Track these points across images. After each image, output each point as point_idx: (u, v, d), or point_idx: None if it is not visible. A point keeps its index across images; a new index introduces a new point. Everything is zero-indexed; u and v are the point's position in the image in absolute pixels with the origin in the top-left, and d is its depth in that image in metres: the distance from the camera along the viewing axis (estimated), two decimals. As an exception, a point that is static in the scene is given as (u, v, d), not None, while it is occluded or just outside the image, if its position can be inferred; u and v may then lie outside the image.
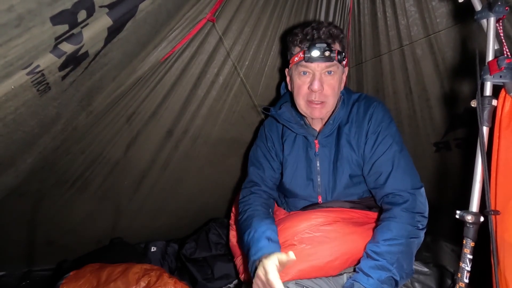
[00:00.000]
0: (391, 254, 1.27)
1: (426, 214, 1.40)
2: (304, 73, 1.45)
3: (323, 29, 1.41)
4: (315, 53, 1.36)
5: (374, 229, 1.41)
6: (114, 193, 1.96)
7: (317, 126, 1.59)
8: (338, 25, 1.89)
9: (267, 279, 1.20)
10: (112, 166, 1.85)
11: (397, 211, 1.37)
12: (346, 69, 1.53)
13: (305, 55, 1.38)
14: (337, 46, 1.43)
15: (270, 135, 1.71)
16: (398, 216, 1.36)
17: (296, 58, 1.43)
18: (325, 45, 1.37)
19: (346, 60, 1.46)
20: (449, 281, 1.63)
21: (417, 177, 1.45)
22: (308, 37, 1.41)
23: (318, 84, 1.42)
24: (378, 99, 1.64)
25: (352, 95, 1.60)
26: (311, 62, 1.39)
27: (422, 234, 1.37)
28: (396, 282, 1.27)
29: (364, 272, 1.27)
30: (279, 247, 1.37)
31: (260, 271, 1.25)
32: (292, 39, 1.48)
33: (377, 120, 1.50)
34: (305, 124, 1.58)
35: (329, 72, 1.43)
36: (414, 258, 1.35)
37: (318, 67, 1.41)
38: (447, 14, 1.63)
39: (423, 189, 1.43)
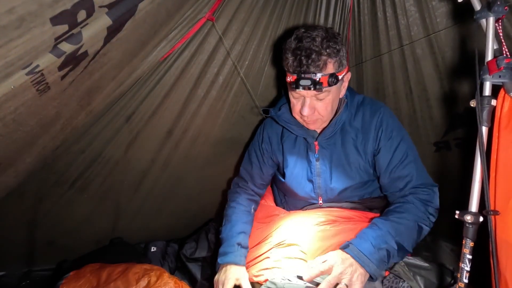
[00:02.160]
0: (395, 229, 1.30)
1: (437, 213, 1.43)
2: (296, 95, 1.43)
3: (313, 55, 1.31)
4: (302, 87, 1.31)
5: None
6: (114, 193, 1.96)
7: (317, 129, 1.58)
8: (338, 25, 1.89)
9: None
10: (112, 166, 1.84)
11: (413, 199, 1.41)
12: (348, 74, 1.48)
13: (292, 85, 1.35)
14: (329, 69, 1.34)
15: (267, 136, 1.71)
16: (412, 202, 1.40)
17: (288, 78, 1.39)
18: (309, 82, 1.29)
19: (345, 70, 1.42)
20: (448, 279, 1.63)
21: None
22: (295, 64, 1.33)
23: (308, 110, 1.41)
24: (381, 102, 1.64)
25: (356, 97, 1.59)
26: (300, 90, 1.34)
27: (428, 228, 1.39)
28: (390, 257, 1.27)
29: (362, 237, 1.29)
30: (245, 252, 1.50)
31: (219, 279, 1.43)
32: (285, 55, 1.40)
33: (387, 128, 1.50)
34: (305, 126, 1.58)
35: (320, 97, 1.40)
36: (414, 244, 1.37)
37: (308, 94, 1.38)
38: (447, 14, 1.63)
39: (437, 189, 1.47)
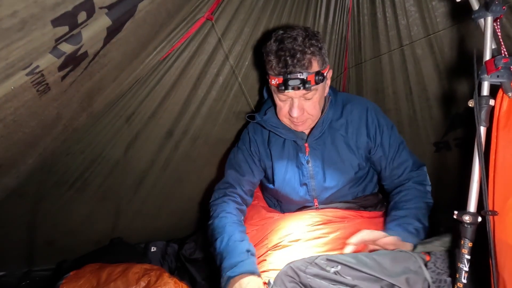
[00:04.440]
0: (413, 215, 1.36)
1: (431, 188, 1.53)
2: (283, 98, 1.41)
3: (298, 55, 1.29)
4: (292, 87, 1.28)
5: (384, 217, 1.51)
6: (114, 193, 1.97)
7: (306, 130, 1.56)
8: (338, 25, 1.89)
9: None
10: (112, 166, 1.85)
11: (412, 184, 1.50)
12: (330, 72, 1.46)
13: (279, 87, 1.31)
14: (315, 67, 1.33)
15: (254, 140, 1.66)
16: (413, 187, 1.49)
17: (273, 81, 1.35)
18: (299, 82, 1.27)
19: (328, 67, 1.41)
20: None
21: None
22: (280, 65, 1.30)
23: (297, 111, 1.38)
24: (365, 98, 1.69)
25: (338, 94, 1.61)
26: (289, 91, 1.32)
27: (432, 201, 1.48)
28: (418, 234, 1.32)
29: (395, 230, 1.31)
30: (255, 260, 1.34)
31: None
32: (266, 57, 1.38)
33: (380, 123, 1.54)
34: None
35: (308, 97, 1.38)
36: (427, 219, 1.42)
37: (296, 94, 1.36)
38: (447, 14, 1.63)
39: (425, 167, 1.57)
